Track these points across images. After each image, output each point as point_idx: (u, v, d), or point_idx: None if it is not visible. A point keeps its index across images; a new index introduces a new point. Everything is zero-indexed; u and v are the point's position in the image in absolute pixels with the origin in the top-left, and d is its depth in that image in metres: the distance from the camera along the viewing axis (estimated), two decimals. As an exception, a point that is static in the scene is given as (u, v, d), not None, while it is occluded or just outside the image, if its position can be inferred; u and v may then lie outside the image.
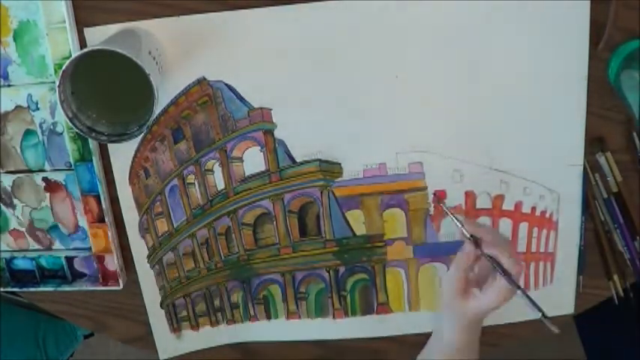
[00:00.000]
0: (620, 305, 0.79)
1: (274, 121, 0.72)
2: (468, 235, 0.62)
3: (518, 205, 0.75)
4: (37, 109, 0.73)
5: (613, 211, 0.75)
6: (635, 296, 0.78)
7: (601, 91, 0.70)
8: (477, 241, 0.61)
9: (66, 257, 0.80)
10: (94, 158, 0.73)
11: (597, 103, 0.71)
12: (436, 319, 0.66)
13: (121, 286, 0.79)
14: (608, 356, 0.99)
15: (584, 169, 0.73)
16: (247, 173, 0.75)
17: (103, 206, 0.75)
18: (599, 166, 0.74)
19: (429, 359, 0.66)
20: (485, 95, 0.70)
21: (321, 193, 0.75)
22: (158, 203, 0.77)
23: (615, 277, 0.77)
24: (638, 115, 0.64)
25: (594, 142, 0.73)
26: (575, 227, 0.76)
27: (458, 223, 0.63)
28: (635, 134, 0.72)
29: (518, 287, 0.59)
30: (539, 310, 0.59)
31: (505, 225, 0.76)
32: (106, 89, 0.66)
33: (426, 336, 0.80)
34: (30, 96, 0.73)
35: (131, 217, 0.78)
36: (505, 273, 0.58)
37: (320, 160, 0.73)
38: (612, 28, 0.66)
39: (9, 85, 0.72)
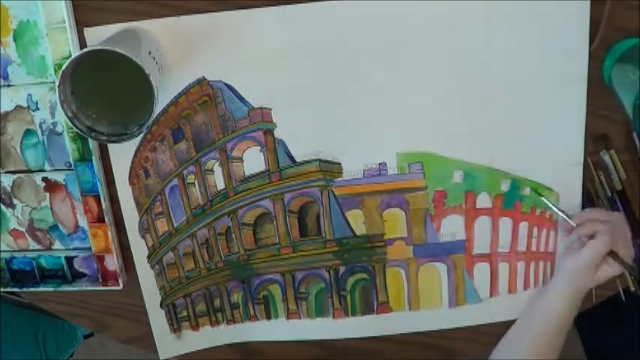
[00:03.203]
0: (620, 305, 0.79)
1: (274, 120, 0.72)
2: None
3: (517, 205, 0.75)
4: (37, 109, 0.73)
5: (616, 209, 0.75)
6: (636, 296, 0.78)
7: (602, 90, 0.70)
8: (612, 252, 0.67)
9: (66, 257, 0.80)
10: (93, 158, 0.73)
11: (598, 102, 0.71)
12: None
13: (121, 286, 0.79)
14: (608, 356, 0.99)
15: (588, 167, 0.73)
16: (247, 173, 0.75)
17: (103, 206, 0.75)
18: (602, 164, 0.74)
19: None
20: (485, 95, 0.70)
21: (321, 193, 0.75)
22: (158, 203, 0.77)
23: (625, 273, 0.77)
24: (631, 111, 0.64)
25: (598, 140, 0.73)
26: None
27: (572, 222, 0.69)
28: (635, 134, 0.72)
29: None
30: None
31: (505, 224, 0.76)
32: (106, 89, 0.66)
33: (426, 336, 0.81)
34: (30, 96, 0.73)
35: (131, 217, 0.78)
36: (624, 263, 0.66)
37: (320, 159, 0.73)
38: (606, 27, 0.66)
39: (9, 85, 0.72)
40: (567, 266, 0.69)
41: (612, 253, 0.66)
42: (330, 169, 0.73)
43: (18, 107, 0.73)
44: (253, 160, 0.74)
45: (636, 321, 0.87)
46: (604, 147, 0.73)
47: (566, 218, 0.70)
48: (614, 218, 0.68)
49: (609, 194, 0.75)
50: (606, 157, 0.73)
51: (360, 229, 0.76)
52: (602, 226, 0.66)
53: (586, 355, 1.03)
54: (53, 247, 0.80)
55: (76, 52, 0.67)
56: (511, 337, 0.73)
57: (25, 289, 0.81)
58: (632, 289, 0.77)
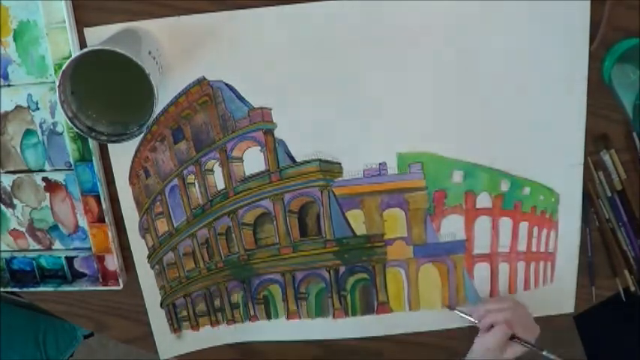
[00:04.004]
0: (620, 305, 0.79)
1: (274, 120, 0.72)
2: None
3: (517, 205, 0.75)
4: (37, 109, 0.73)
5: (617, 209, 0.75)
6: (636, 296, 0.78)
7: (602, 90, 0.70)
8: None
9: (66, 257, 0.80)
10: (94, 158, 0.73)
11: (598, 102, 0.71)
12: None
13: (121, 286, 0.79)
14: (608, 356, 0.99)
15: (588, 167, 0.73)
16: (247, 173, 0.75)
17: (103, 206, 0.75)
18: (603, 164, 0.73)
19: None
20: (485, 95, 0.70)
21: (321, 192, 0.75)
22: (158, 203, 0.77)
23: (625, 273, 0.77)
24: (631, 111, 0.64)
25: (598, 140, 0.72)
26: (576, 227, 0.76)
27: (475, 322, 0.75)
28: (635, 134, 0.72)
29: (540, 349, 0.71)
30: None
31: (505, 224, 0.76)
32: (106, 89, 0.66)
33: (426, 335, 0.81)
34: (30, 96, 0.73)
35: (131, 217, 0.78)
36: (525, 342, 0.71)
37: (320, 159, 0.73)
38: (606, 27, 0.66)
39: (9, 85, 0.72)
40: (477, 346, 0.73)
41: (513, 337, 0.71)
42: (330, 169, 0.73)
43: (18, 107, 0.73)
44: (253, 160, 0.74)
45: (636, 321, 0.87)
46: (604, 147, 0.73)
47: (468, 317, 0.76)
48: (508, 304, 0.74)
49: (609, 194, 0.75)
50: (606, 157, 0.73)
51: (360, 229, 0.76)
52: (497, 316, 0.72)
53: (586, 355, 1.03)
54: (53, 247, 0.80)
55: (76, 52, 0.67)
56: None
57: (25, 289, 0.81)
58: (632, 289, 0.77)
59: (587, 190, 0.75)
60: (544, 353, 0.71)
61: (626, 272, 0.77)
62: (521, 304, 0.75)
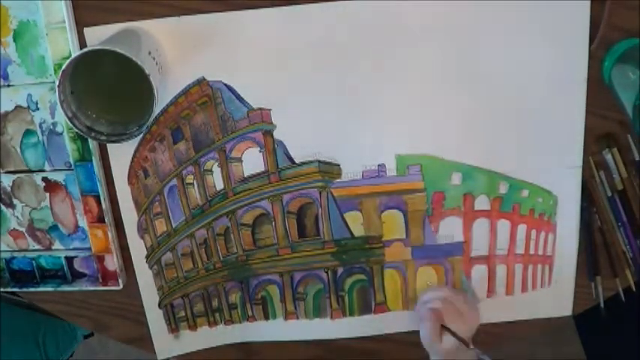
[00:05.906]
0: (620, 305, 0.79)
1: (273, 121, 0.72)
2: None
3: (516, 207, 0.75)
4: (37, 109, 0.73)
5: (616, 209, 0.75)
6: (636, 296, 0.78)
7: (602, 90, 0.69)
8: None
9: (66, 257, 0.80)
10: (93, 158, 0.73)
11: (598, 102, 0.71)
12: None
13: (121, 286, 0.79)
14: (608, 356, 0.99)
15: (589, 167, 0.73)
16: (246, 174, 0.75)
17: (103, 206, 0.75)
18: (604, 163, 0.73)
19: None
20: (484, 97, 0.70)
21: (320, 194, 0.75)
22: (157, 203, 0.77)
23: (626, 273, 0.77)
24: (631, 112, 0.64)
25: (600, 140, 0.72)
26: (574, 230, 0.76)
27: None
28: (629, 136, 0.72)
29: (467, 344, 0.70)
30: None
31: (503, 227, 0.76)
32: (106, 89, 0.66)
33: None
34: (30, 96, 0.73)
35: (130, 217, 0.78)
36: (459, 339, 0.70)
37: (319, 160, 0.73)
38: (606, 27, 0.66)
39: (9, 85, 0.72)
40: (444, 348, 0.72)
41: (443, 328, 0.70)
42: (329, 170, 0.73)
43: (18, 107, 0.73)
44: (252, 161, 0.74)
45: (636, 321, 0.87)
46: (606, 145, 0.72)
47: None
48: (439, 294, 0.74)
49: (609, 194, 0.74)
50: (609, 157, 0.73)
51: (358, 230, 0.76)
52: (426, 306, 0.73)
53: (586, 355, 1.03)
54: (53, 247, 0.81)
55: (76, 52, 0.67)
56: None
57: (25, 289, 0.81)
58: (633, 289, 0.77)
59: (589, 190, 0.74)
60: (470, 347, 0.70)
61: (627, 272, 0.77)
62: (459, 292, 0.75)
